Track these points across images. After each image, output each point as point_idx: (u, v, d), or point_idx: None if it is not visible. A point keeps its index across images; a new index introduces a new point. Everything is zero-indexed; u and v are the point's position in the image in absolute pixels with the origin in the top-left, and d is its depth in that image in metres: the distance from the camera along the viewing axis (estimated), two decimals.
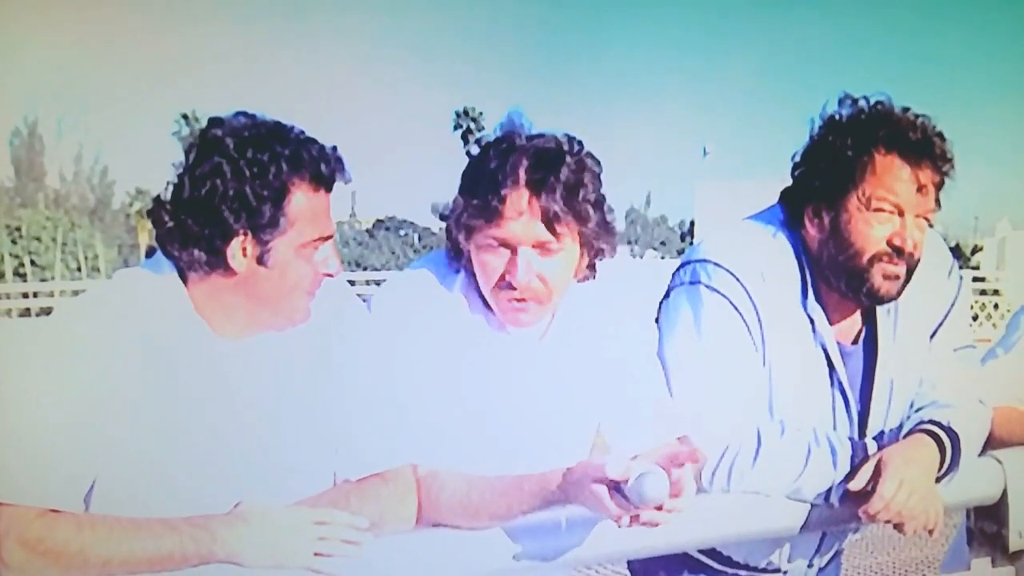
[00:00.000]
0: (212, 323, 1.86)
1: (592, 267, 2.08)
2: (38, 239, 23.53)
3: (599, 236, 2.02)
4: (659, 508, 1.72)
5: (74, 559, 1.67)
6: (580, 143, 2.01)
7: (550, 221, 1.94)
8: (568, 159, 1.95)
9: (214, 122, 1.82)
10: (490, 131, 2.05)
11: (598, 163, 2.03)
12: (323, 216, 1.85)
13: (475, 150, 2.03)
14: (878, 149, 2.13)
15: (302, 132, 1.85)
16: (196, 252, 1.80)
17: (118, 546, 1.68)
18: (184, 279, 1.86)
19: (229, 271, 1.81)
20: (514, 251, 1.96)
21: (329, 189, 1.86)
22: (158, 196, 1.83)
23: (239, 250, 1.79)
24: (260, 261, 1.81)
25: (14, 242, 23.21)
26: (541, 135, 2.01)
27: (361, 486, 1.89)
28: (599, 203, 2.00)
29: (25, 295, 16.46)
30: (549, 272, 1.98)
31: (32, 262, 22.70)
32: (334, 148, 1.87)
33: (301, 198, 1.80)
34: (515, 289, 1.98)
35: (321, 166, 1.82)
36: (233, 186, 1.76)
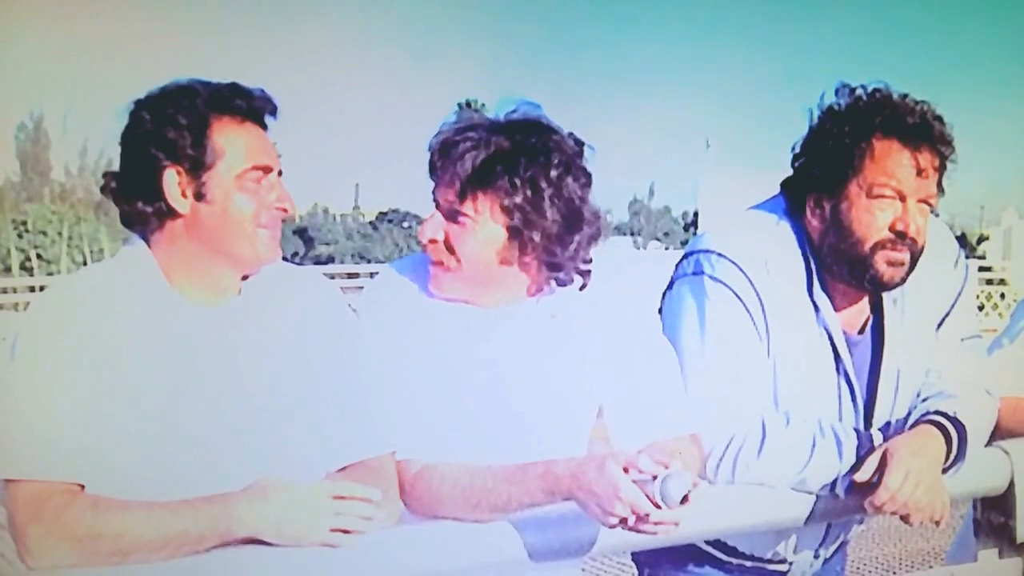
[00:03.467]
0: (183, 288, 1.87)
1: (553, 268, 2.02)
2: (44, 233, 23.55)
3: (533, 228, 1.95)
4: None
5: (89, 539, 1.67)
6: (563, 140, 1.99)
7: (454, 184, 1.95)
8: (516, 136, 1.94)
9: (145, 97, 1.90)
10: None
11: (567, 164, 1.97)
12: (256, 148, 1.88)
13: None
14: (876, 135, 2.12)
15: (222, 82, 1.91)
16: (140, 204, 1.85)
17: (133, 525, 1.68)
18: (149, 245, 1.89)
19: (176, 215, 1.85)
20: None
21: (258, 122, 1.90)
22: (106, 172, 1.91)
23: (176, 189, 1.84)
24: (200, 197, 1.85)
25: (20, 236, 23.22)
26: (530, 118, 2.01)
27: (346, 475, 1.89)
28: (549, 200, 1.95)
29: (32, 289, 16.47)
30: (456, 240, 1.98)
31: (38, 256, 22.70)
32: (259, 89, 1.92)
33: (225, 130, 1.85)
34: (421, 244, 2.02)
35: (237, 100, 1.87)
36: (153, 126, 1.84)
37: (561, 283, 2.05)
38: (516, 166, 1.93)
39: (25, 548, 1.67)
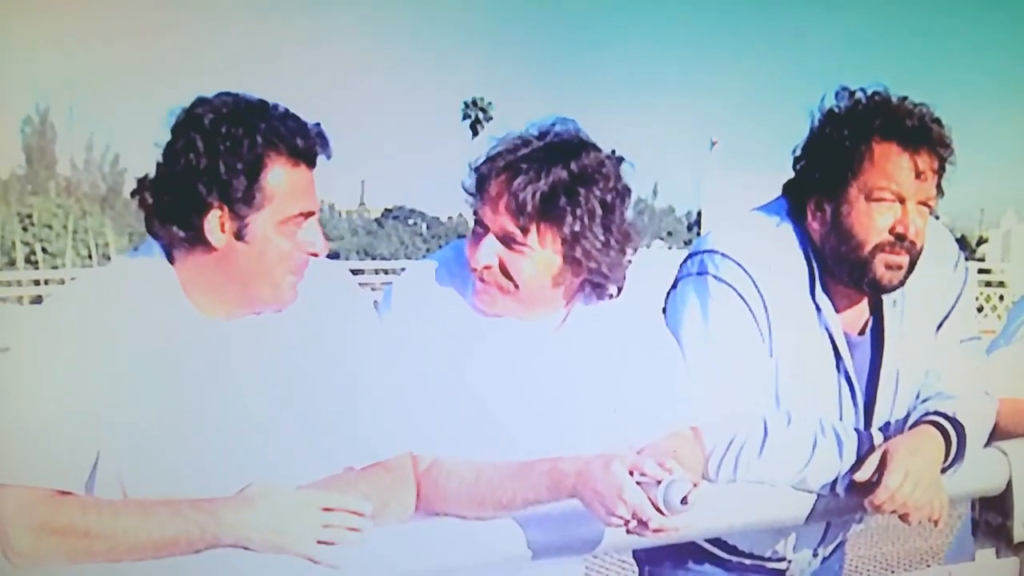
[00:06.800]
0: (200, 304, 1.85)
1: (595, 286, 2.05)
2: (49, 227, 23.59)
3: (590, 256, 1.98)
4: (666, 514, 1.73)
5: (79, 543, 1.67)
6: (607, 160, 1.99)
7: (517, 216, 1.94)
8: (572, 165, 1.94)
9: (198, 102, 1.81)
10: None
11: (616, 186, 1.99)
12: (304, 192, 1.83)
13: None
14: (875, 138, 2.13)
15: (283, 108, 1.84)
16: (175, 229, 1.81)
17: (123, 531, 1.68)
18: (171, 260, 1.86)
19: (210, 247, 1.81)
20: (487, 233, 2.00)
21: (311, 164, 1.85)
22: (143, 176, 1.84)
23: (216, 224, 1.79)
24: (238, 236, 1.80)
25: (25, 229, 23.28)
26: (571, 137, 2.00)
27: (365, 474, 1.90)
28: (601, 224, 1.97)
29: (36, 282, 16.50)
30: (514, 267, 1.99)
31: (43, 249, 22.76)
32: (317, 124, 1.85)
33: (279, 173, 1.79)
34: (475, 270, 2.01)
35: (298, 140, 1.80)
36: (206, 160, 1.76)
37: (601, 297, 2.08)
38: (577, 196, 1.94)
39: (12, 550, 1.67)
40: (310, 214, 1.85)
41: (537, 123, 2.02)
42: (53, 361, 1.77)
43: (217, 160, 1.76)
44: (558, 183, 1.93)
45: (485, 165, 2.00)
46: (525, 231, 1.96)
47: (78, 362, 1.77)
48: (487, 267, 2.00)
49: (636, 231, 2.05)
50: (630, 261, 2.06)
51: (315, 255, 1.87)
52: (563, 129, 2.01)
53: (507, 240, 1.98)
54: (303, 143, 1.81)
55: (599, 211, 1.96)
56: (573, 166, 1.95)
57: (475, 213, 2.02)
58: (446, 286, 2.09)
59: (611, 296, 2.08)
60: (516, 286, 2.00)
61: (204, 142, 1.77)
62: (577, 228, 1.95)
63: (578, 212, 1.94)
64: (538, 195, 1.92)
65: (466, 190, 2.03)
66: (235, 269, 1.83)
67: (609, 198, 1.98)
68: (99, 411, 1.76)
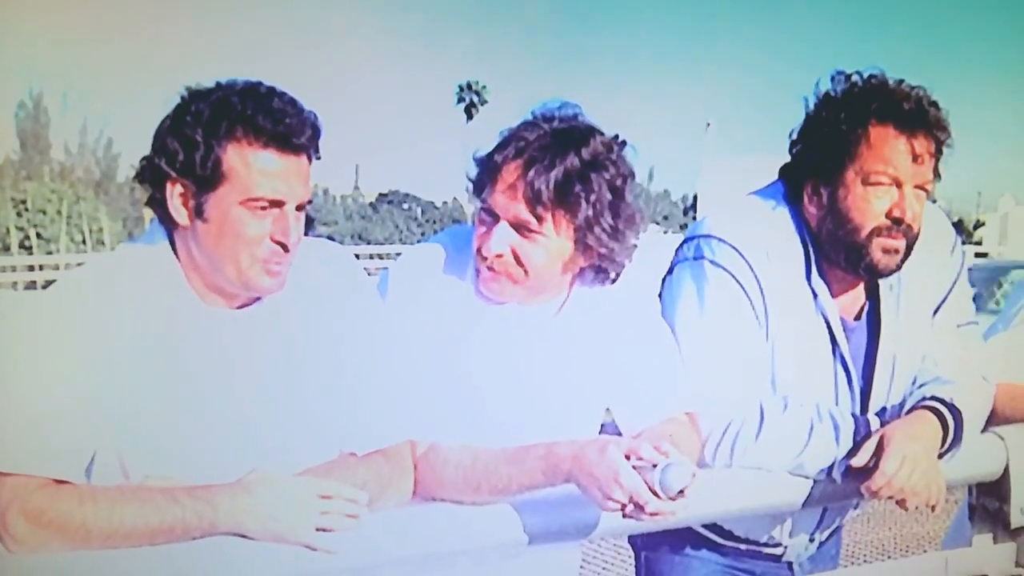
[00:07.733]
0: (194, 286, 1.85)
1: (600, 271, 2.06)
2: (43, 212, 23.60)
3: (601, 242, 1.99)
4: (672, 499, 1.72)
5: (77, 531, 1.66)
6: (613, 144, 2.00)
7: (534, 204, 1.94)
8: (583, 152, 1.94)
9: (192, 93, 1.81)
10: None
11: (623, 171, 2.00)
12: (268, 177, 1.78)
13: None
14: (872, 121, 2.12)
15: (279, 91, 1.81)
16: (150, 204, 1.83)
17: (120, 519, 1.67)
18: (174, 247, 1.86)
19: (178, 224, 1.81)
20: (497, 222, 1.99)
21: (284, 148, 1.78)
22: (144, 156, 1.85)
23: (177, 199, 1.79)
24: (199, 214, 1.79)
25: (19, 215, 23.29)
26: (577, 122, 2.00)
27: (365, 460, 1.89)
28: (610, 208, 1.97)
29: (31, 268, 16.50)
30: (526, 255, 1.98)
31: (38, 235, 22.78)
32: (311, 113, 1.82)
33: (240, 153, 1.76)
34: (485, 259, 2.00)
35: (260, 120, 1.76)
36: (168, 135, 1.78)
37: (602, 282, 2.09)
38: (590, 183, 1.95)
39: (9, 537, 1.66)
40: (277, 203, 1.80)
41: (541, 107, 2.02)
42: (52, 348, 1.76)
43: (177, 135, 1.77)
44: (571, 170, 1.93)
45: (497, 153, 1.99)
46: (540, 219, 1.96)
47: (77, 349, 1.76)
48: (499, 255, 1.99)
49: (640, 215, 2.06)
50: (635, 245, 2.06)
51: (281, 245, 1.81)
52: (567, 114, 2.01)
53: (520, 228, 1.97)
54: (267, 122, 1.77)
55: (609, 196, 1.97)
56: (584, 153, 1.95)
57: (483, 201, 2.01)
58: (445, 272, 2.08)
59: (612, 281, 2.08)
60: (527, 273, 2.00)
61: (172, 119, 1.79)
62: (590, 214, 1.96)
63: (591, 198, 1.95)
64: (552, 183, 1.92)
65: (470, 179, 2.03)
66: (202, 249, 1.82)
67: (619, 183, 1.99)
68: (98, 399, 1.76)
